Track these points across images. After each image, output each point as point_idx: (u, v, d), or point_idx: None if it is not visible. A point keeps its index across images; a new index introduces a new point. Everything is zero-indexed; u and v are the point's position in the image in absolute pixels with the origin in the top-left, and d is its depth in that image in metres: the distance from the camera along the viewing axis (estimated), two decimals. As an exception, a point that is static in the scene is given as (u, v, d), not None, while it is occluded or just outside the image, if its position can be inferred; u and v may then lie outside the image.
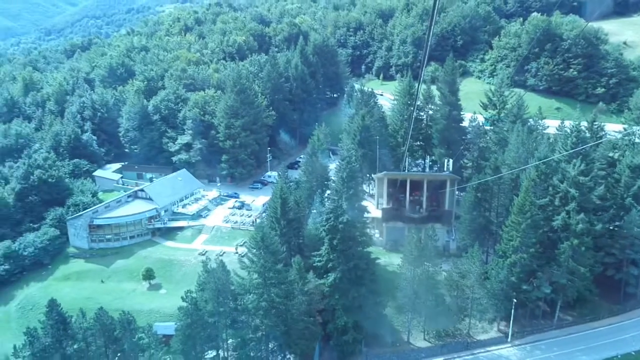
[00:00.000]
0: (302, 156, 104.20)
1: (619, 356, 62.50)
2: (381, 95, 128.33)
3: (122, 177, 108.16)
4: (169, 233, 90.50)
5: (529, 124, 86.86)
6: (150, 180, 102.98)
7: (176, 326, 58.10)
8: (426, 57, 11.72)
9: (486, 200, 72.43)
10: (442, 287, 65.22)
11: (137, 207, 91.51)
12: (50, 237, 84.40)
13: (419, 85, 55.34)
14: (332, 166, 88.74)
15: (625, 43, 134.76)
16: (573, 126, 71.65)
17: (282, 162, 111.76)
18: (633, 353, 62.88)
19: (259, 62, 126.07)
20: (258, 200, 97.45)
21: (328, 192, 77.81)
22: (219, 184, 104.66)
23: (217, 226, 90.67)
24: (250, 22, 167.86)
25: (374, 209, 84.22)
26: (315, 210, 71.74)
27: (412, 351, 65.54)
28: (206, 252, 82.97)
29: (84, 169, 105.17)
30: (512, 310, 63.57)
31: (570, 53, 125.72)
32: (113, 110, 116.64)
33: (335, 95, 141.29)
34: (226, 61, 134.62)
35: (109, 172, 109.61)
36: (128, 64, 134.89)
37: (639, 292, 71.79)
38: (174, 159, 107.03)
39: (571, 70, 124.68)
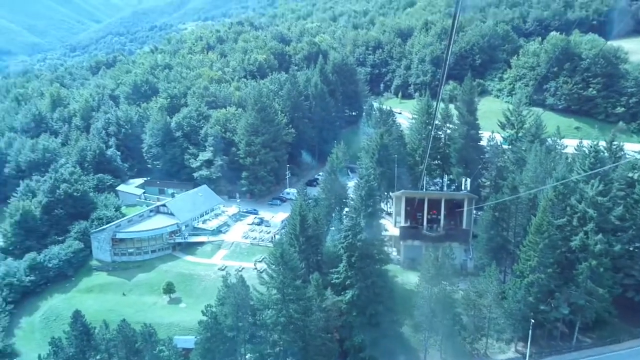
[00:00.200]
0: (320, 173, 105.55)
1: (639, 380, 61.89)
2: (399, 113, 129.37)
3: (144, 192, 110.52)
4: (189, 248, 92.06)
5: (547, 143, 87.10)
6: (172, 195, 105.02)
7: (196, 340, 59.23)
8: (444, 76, 12.77)
9: (504, 220, 72.71)
10: (459, 306, 65.36)
11: (159, 222, 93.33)
12: (75, 250, 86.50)
13: (437, 104, 56.92)
14: (351, 184, 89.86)
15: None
16: (591, 146, 71.86)
17: (300, 179, 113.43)
18: (654, 377, 62.22)
19: (279, 80, 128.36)
20: (277, 217, 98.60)
21: (346, 209, 78.85)
22: (238, 200, 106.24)
23: (237, 242, 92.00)
24: (271, 40, 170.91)
25: (391, 227, 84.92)
26: (333, 228, 72.71)
27: (428, 370, 65.64)
28: (225, 267, 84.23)
29: (108, 183, 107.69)
30: (530, 331, 63.37)
31: (590, 72, 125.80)
32: (137, 127, 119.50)
33: (353, 113, 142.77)
34: (247, 79, 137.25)
35: (131, 187, 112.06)
36: (152, 81, 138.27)
37: (660, 314, 71.02)
38: (195, 175, 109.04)
39: (590, 89, 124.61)
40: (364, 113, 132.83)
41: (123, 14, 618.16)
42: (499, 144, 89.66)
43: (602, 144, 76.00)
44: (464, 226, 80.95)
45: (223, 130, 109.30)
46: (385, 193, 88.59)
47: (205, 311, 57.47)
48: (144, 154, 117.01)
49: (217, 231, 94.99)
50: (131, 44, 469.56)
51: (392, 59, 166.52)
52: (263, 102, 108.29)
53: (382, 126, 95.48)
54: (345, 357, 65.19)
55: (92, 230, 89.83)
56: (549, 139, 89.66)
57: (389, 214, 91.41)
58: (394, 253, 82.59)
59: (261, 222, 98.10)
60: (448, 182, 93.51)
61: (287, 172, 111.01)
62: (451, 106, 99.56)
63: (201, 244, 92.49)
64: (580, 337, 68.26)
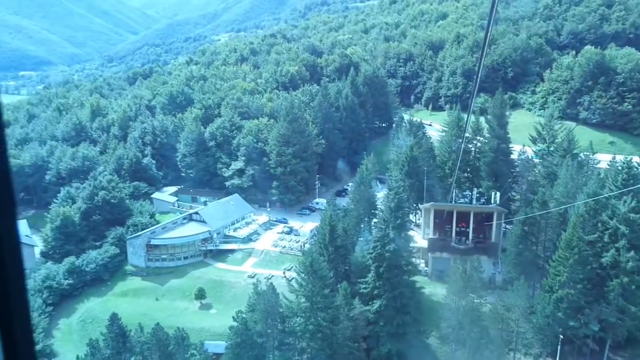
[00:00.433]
0: (350, 184, 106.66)
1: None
2: (429, 125, 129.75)
3: (177, 200, 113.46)
4: (220, 255, 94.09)
5: (579, 158, 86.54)
6: (205, 203, 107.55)
7: (226, 345, 60.84)
8: (476, 89, 13.49)
9: (533, 234, 72.56)
10: (487, 320, 65.47)
11: (192, 229, 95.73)
12: (111, 255, 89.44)
13: (468, 117, 57.38)
14: (380, 195, 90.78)
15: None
16: (624, 162, 71.29)
17: (329, 189, 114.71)
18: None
19: (311, 92, 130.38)
20: (306, 226, 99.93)
21: (375, 220, 79.71)
22: (268, 209, 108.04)
23: (266, 250, 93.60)
24: (303, 52, 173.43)
25: (420, 238, 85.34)
26: (362, 238, 73.71)
27: (455, 382, 65.77)
28: (255, 274, 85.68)
29: (143, 191, 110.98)
30: (559, 347, 63.05)
31: (625, 86, 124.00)
32: (172, 136, 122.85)
33: (383, 124, 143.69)
34: (279, 91, 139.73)
35: (165, 194, 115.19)
36: (187, 92, 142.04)
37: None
38: (227, 183, 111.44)
39: (626, 104, 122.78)
40: (394, 125, 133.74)
41: (159, 26, 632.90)
42: (530, 157, 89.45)
43: (636, 159, 75.25)
44: (493, 239, 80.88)
45: (255, 140, 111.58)
46: (414, 205, 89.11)
47: (236, 317, 59.01)
48: (178, 163, 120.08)
49: (248, 239, 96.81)
50: (166, 54, 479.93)
51: (423, 71, 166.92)
52: (295, 113, 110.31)
53: (412, 138, 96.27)
54: (371, 367, 65.89)
55: (128, 236, 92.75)
56: (581, 154, 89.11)
57: (418, 226, 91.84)
58: (422, 265, 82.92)
59: (290, 231, 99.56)
60: (477, 195, 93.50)
61: (316, 182, 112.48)
62: (482, 119, 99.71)
63: (232, 251, 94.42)
64: (611, 355, 67.36)
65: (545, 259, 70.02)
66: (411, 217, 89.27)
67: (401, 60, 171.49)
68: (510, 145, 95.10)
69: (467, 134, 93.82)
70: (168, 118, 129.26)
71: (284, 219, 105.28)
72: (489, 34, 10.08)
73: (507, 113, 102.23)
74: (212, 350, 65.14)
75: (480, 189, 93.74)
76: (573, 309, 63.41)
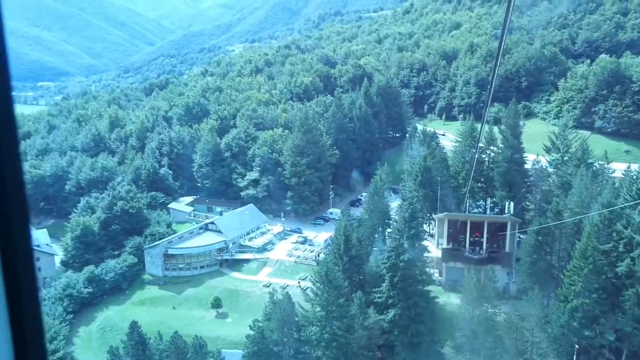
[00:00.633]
0: (363, 194, 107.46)
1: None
2: (443, 135, 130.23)
3: (193, 210, 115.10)
4: (236, 264, 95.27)
5: (594, 167, 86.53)
6: (220, 213, 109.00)
7: (243, 353, 61.80)
8: (490, 99, 13.97)
9: (547, 244, 72.73)
10: (501, 329, 65.70)
11: (208, 239, 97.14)
12: (129, 264, 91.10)
13: (481, 127, 58.56)
14: (393, 205, 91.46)
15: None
16: (639, 171, 71.34)
17: (343, 200, 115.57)
18: None
19: (325, 102, 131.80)
20: (320, 236, 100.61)
21: (389, 230, 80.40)
22: (283, 219, 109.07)
23: (281, 260, 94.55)
24: (317, 63, 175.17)
25: (434, 248, 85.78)
26: (376, 248, 74.44)
27: (470, 392, 65.97)
28: (270, 284, 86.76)
29: (160, 201, 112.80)
30: (574, 356, 63.06)
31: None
32: (188, 147, 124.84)
33: (397, 135, 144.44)
34: (293, 101, 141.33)
35: (182, 204, 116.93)
36: (203, 103, 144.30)
37: None
38: (242, 193, 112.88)
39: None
40: (407, 135, 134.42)
41: (174, 37, 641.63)
42: (544, 167, 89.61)
43: (651, 168, 75.21)
44: (507, 249, 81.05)
45: (270, 151, 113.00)
46: (428, 215, 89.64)
47: (252, 326, 59.99)
48: (194, 173, 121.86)
49: (263, 249, 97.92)
50: (181, 65, 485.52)
51: (437, 81, 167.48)
52: (309, 124, 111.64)
53: (425, 149, 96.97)
54: (386, 376, 66.40)
55: (146, 245, 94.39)
56: (596, 163, 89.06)
57: (432, 236, 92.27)
58: (436, 274, 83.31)
59: (305, 241, 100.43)
60: (491, 204, 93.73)
61: (330, 193, 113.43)
62: (495, 128, 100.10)
63: (247, 261, 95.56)
64: (627, 365, 67.24)
65: (559, 269, 70.09)
66: (425, 227, 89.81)
67: (414, 70, 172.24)
68: (524, 155, 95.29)
69: (480, 144, 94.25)
70: (184, 129, 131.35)
71: (299, 228, 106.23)
72: (503, 43, 10.16)
73: (521, 123, 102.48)
74: (229, 358, 66.16)
75: (494, 199, 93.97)
76: (588, 318, 63.43)
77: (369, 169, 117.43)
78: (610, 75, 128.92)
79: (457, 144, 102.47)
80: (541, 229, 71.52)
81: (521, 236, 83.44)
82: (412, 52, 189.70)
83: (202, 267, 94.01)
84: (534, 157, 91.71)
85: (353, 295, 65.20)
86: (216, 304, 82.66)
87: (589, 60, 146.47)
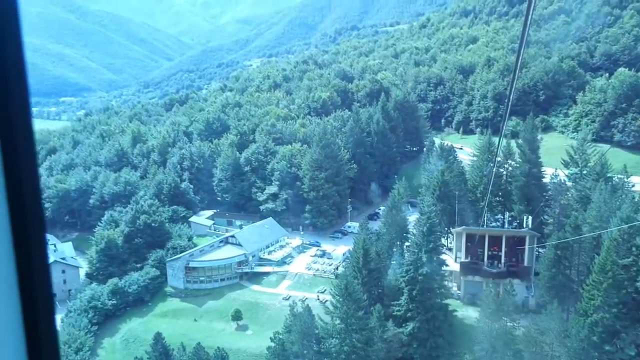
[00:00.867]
0: (381, 207, 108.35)
1: None
2: (460, 149, 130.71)
3: (214, 224, 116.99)
4: (256, 277, 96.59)
5: (613, 181, 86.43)
6: (240, 227, 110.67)
7: (264, 365, 62.90)
8: (507, 113, 13.95)
9: (566, 258, 72.77)
10: (521, 343, 65.83)
11: (228, 252, 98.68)
12: (152, 277, 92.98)
13: (499, 141, 59.15)
14: (411, 218, 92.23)
15: None
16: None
17: (361, 213, 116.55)
18: None
19: (342, 117, 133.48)
20: (338, 250, 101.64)
21: (407, 244, 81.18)
22: (302, 233, 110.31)
23: (300, 273, 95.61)
24: (334, 78, 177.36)
25: (452, 262, 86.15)
26: (395, 262, 75.23)
27: (489, 406, 66.04)
28: (290, 297, 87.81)
29: (181, 215, 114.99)
30: (595, 372, 62.92)
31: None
32: (208, 162, 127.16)
33: (414, 148, 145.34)
34: (311, 116, 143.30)
35: (202, 218, 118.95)
36: (223, 118, 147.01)
37: None
38: (262, 207, 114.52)
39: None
40: (424, 149, 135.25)
41: (193, 52, 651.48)
42: (562, 181, 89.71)
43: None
44: (526, 263, 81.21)
45: (289, 165, 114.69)
46: (446, 228, 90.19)
47: (273, 338, 61.09)
48: (214, 187, 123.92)
49: (282, 262, 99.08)
50: (200, 80, 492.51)
51: (454, 95, 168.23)
52: (327, 138, 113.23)
53: (443, 163, 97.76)
54: (405, 389, 66.83)
55: (168, 258, 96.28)
56: (615, 177, 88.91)
57: (450, 249, 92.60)
58: (454, 288, 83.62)
59: (323, 254, 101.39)
60: (509, 218, 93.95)
61: (348, 206, 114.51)
62: (513, 142, 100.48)
63: (267, 274, 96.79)
64: (648, 380, 66.75)
65: (579, 283, 70.09)
66: (443, 240, 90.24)
67: (431, 85, 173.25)
68: (542, 169, 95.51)
69: (498, 158, 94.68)
70: (205, 144, 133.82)
71: (317, 242, 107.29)
72: (520, 57, 10.15)
73: (539, 137, 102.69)
74: (249, 370, 67.24)
75: (512, 213, 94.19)
76: (608, 333, 63.30)
77: (387, 182, 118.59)
78: (629, 89, 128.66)
79: (475, 158, 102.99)
80: (560, 243, 71.68)
81: (540, 250, 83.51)
82: (429, 66, 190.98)
83: (222, 279, 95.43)
84: (553, 171, 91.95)
85: (372, 308, 66.03)
86: (237, 316, 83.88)
87: (607, 74, 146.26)
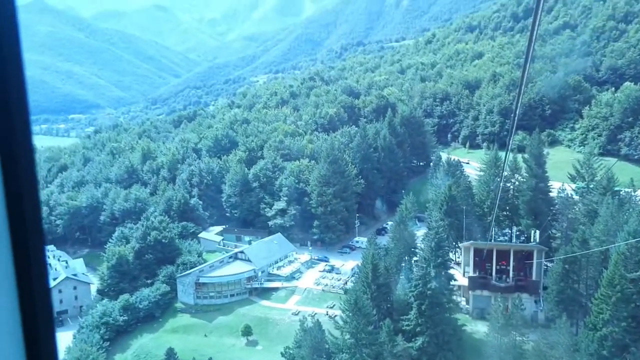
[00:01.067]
0: (389, 222, 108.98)
1: None
2: (467, 163, 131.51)
3: (223, 239, 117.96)
4: (265, 293, 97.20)
5: (620, 195, 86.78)
6: (249, 242, 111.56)
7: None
8: (514, 129, 13.57)
9: (574, 272, 73.00)
10: (530, 357, 65.92)
11: (237, 268, 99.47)
12: (162, 293, 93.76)
13: (506, 156, 60.45)
14: (419, 233, 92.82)
15: None
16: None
17: (369, 228, 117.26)
18: None
19: (350, 133, 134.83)
20: (347, 265, 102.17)
21: (415, 259, 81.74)
22: (310, 248, 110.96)
23: (309, 288, 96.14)
24: (341, 94, 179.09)
25: (460, 276, 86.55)
26: (403, 276, 75.78)
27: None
28: (299, 312, 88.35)
29: (191, 230, 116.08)
30: (605, 386, 62.83)
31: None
32: (217, 178, 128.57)
33: (421, 163, 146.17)
34: (319, 132, 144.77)
35: (211, 234, 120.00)
36: (231, 135, 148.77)
37: None
38: (270, 223, 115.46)
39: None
40: (431, 163, 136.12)
41: (200, 69, 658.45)
42: (569, 195, 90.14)
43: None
44: (534, 277, 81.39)
45: (297, 181, 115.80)
46: (454, 243, 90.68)
47: (284, 353, 61.64)
48: (223, 203, 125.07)
49: (291, 277, 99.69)
50: (207, 96, 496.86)
51: (460, 110, 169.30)
52: (334, 154, 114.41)
53: (450, 177, 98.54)
54: (415, 404, 66.98)
55: (178, 274, 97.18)
56: (622, 191, 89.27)
57: (458, 264, 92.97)
58: (463, 302, 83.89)
59: (332, 269, 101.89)
60: (517, 233, 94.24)
61: (356, 221, 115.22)
62: (519, 156, 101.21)
63: (276, 289, 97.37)
64: (659, 395, 66.52)
65: (587, 297, 70.24)
66: (451, 255, 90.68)
67: (437, 100, 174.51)
68: (549, 184, 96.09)
69: (505, 173, 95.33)
70: (214, 160, 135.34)
71: (325, 257, 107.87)
72: (526, 72, 9.99)
73: (545, 151, 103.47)
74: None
75: (520, 227, 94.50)
76: (618, 347, 63.32)
77: (394, 197, 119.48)
78: (635, 103, 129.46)
79: (481, 173, 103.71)
80: (568, 257, 71.97)
81: (548, 264, 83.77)
82: (435, 81, 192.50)
83: (232, 295, 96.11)
84: (560, 185, 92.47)
85: (381, 323, 66.49)
86: (246, 331, 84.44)
87: (613, 88, 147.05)
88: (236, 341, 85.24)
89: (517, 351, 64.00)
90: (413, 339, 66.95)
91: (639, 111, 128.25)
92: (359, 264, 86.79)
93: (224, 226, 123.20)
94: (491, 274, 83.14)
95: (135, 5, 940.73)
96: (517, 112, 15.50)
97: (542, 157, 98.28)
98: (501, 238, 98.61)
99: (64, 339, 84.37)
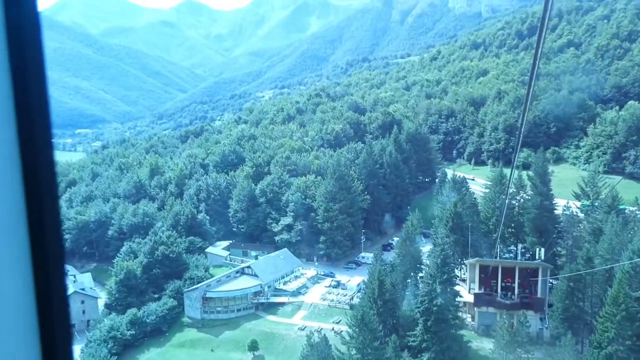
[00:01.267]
0: (395, 238, 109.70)
1: None
2: (472, 180, 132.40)
3: (229, 254, 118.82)
4: (271, 308, 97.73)
5: (624, 214, 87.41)
6: (256, 257, 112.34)
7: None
8: (519, 145, 14.07)
9: (579, 290, 73.47)
10: (536, 375, 66.30)
11: (244, 283, 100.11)
12: (169, 307, 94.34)
13: (511, 173, 61.32)
14: (425, 249, 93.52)
15: None
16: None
17: (375, 244, 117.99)
18: None
19: (355, 149, 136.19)
20: (353, 280, 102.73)
21: (421, 275, 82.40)
22: (316, 263, 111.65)
23: (315, 303, 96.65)
24: (347, 111, 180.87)
25: (466, 293, 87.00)
26: (409, 292, 76.43)
27: None
28: (305, 327, 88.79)
29: (198, 245, 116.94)
30: (610, 404, 62.97)
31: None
32: (224, 193, 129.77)
33: (426, 179, 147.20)
34: (325, 148, 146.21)
35: (218, 249, 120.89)
36: (238, 151, 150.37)
37: None
38: (277, 238, 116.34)
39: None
40: (437, 180, 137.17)
41: (206, 84, 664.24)
42: (574, 213, 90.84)
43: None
44: (539, 295, 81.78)
45: (303, 196, 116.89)
46: (459, 260, 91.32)
47: (291, 368, 62.19)
48: (230, 218, 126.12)
49: (297, 292, 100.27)
50: (213, 111, 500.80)
51: (465, 127, 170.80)
52: (341, 170, 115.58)
53: (455, 194, 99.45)
54: (421, 421, 67.23)
55: (185, 289, 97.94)
56: (627, 209, 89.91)
57: (463, 281, 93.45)
58: (468, 319, 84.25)
59: (338, 284, 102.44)
60: (522, 250, 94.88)
61: (362, 237, 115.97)
62: (524, 174, 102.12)
63: (282, 304, 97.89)
64: (665, 414, 66.56)
65: (592, 315, 70.66)
66: (456, 272, 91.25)
67: (443, 116, 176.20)
68: (554, 201, 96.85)
69: (510, 190, 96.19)
70: (221, 176, 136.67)
71: (332, 272, 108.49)
72: (531, 90, 10.09)
73: (550, 169, 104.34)
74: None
75: (525, 245, 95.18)
76: (623, 365, 63.66)
77: (400, 213, 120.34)
78: (639, 121, 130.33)
79: (487, 190, 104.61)
80: (573, 275, 72.50)
81: (553, 282, 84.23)
82: (440, 98, 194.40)
83: (238, 310, 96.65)
84: (565, 203, 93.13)
85: (388, 338, 67.02)
86: (253, 346, 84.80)
87: (617, 106, 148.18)
88: (243, 356, 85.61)
89: (522, 368, 64.36)
90: (419, 355, 67.45)
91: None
92: (365, 280, 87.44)
93: (231, 241, 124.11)
94: (496, 291, 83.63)
95: (143, 21, 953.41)
96: (522, 130, 16.41)
97: (547, 174, 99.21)
98: (506, 255, 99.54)
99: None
